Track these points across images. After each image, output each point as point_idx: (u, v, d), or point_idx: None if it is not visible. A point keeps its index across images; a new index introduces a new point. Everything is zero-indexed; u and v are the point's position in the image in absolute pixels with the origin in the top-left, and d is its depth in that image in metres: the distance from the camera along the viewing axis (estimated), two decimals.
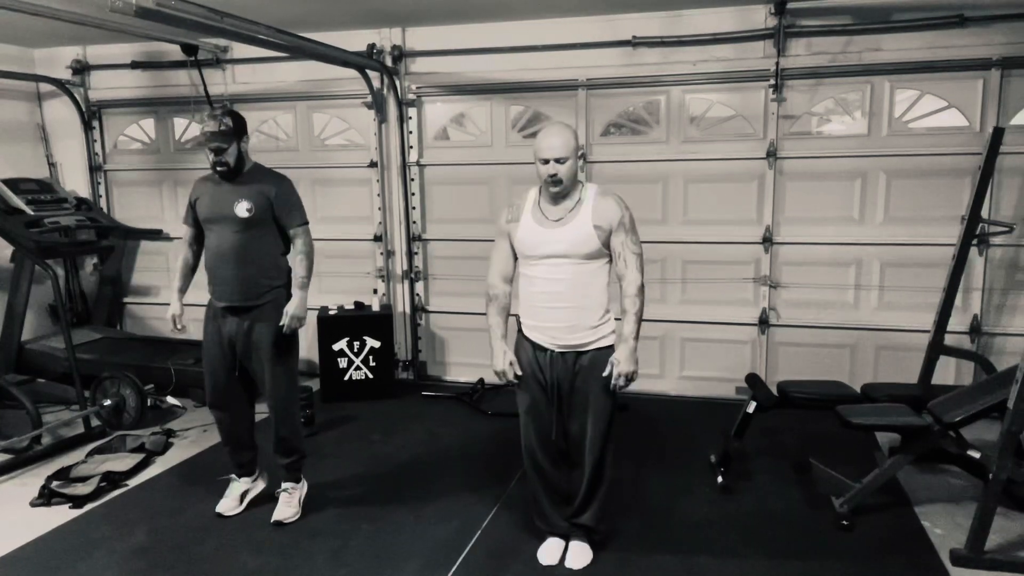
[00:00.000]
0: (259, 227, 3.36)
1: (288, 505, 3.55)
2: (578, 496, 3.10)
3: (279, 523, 3.49)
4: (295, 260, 3.46)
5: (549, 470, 3.11)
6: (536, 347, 2.96)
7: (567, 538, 3.20)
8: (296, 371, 3.64)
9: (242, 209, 3.31)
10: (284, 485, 3.61)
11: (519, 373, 2.98)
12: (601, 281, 2.88)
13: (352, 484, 3.96)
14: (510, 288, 3.05)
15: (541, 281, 2.88)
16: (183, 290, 3.57)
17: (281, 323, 3.39)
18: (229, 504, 3.62)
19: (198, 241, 3.54)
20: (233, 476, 3.69)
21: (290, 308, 3.39)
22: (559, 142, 2.78)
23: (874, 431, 4.07)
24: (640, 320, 2.84)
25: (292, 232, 3.45)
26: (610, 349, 2.89)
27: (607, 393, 2.91)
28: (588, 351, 2.90)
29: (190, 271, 3.58)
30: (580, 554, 3.13)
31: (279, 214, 3.40)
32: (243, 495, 3.67)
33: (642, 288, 2.84)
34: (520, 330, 3.04)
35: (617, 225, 2.83)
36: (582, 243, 2.81)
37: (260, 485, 3.75)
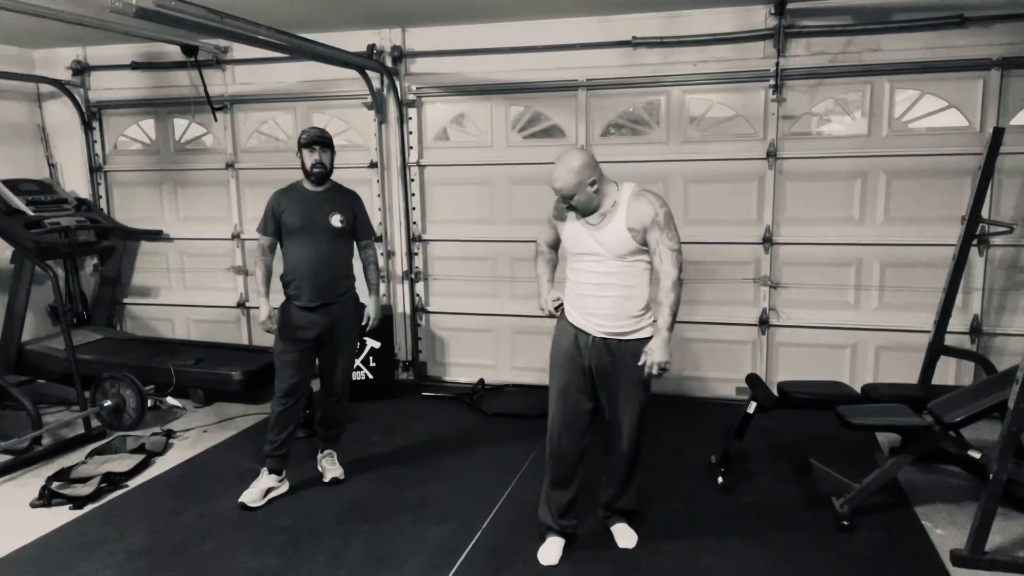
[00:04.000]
0: (344, 236, 3.83)
1: (334, 465, 4.03)
2: (615, 482, 3.26)
3: (336, 480, 3.96)
4: (369, 269, 3.99)
5: (569, 458, 3.15)
6: (578, 331, 3.07)
7: (566, 537, 3.24)
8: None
9: (336, 220, 3.75)
10: (327, 450, 4.06)
11: (559, 304, 3.14)
12: (644, 276, 3.02)
13: (352, 484, 3.96)
14: (556, 251, 3.27)
15: (586, 274, 3.02)
16: (268, 294, 3.83)
17: (364, 323, 3.98)
18: (254, 495, 3.72)
19: (273, 249, 3.84)
20: (264, 469, 3.80)
21: (372, 312, 4.00)
22: (560, 183, 2.90)
23: (874, 431, 4.06)
24: (674, 313, 2.94)
25: (365, 243, 3.96)
26: (649, 340, 3.00)
27: (643, 384, 3.04)
28: (628, 340, 3.00)
29: (270, 276, 3.86)
30: (626, 535, 3.30)
31: (359, 226, 3.90)
32: (268, 491, 3.77)
33: (677, 282, 2.94)
34: (563, 315, 3.15)
35: (651, 224, 2.92)
36: (619, 246, 2.94)
37: (284, 487, 3.86)
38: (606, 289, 2.97)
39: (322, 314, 3.74)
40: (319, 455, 4.06)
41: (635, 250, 2.94)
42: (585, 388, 3.08)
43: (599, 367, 3.04)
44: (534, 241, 3.31)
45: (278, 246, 3.82)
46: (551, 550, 3.18)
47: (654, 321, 3.00)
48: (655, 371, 2.92)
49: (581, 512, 3.29)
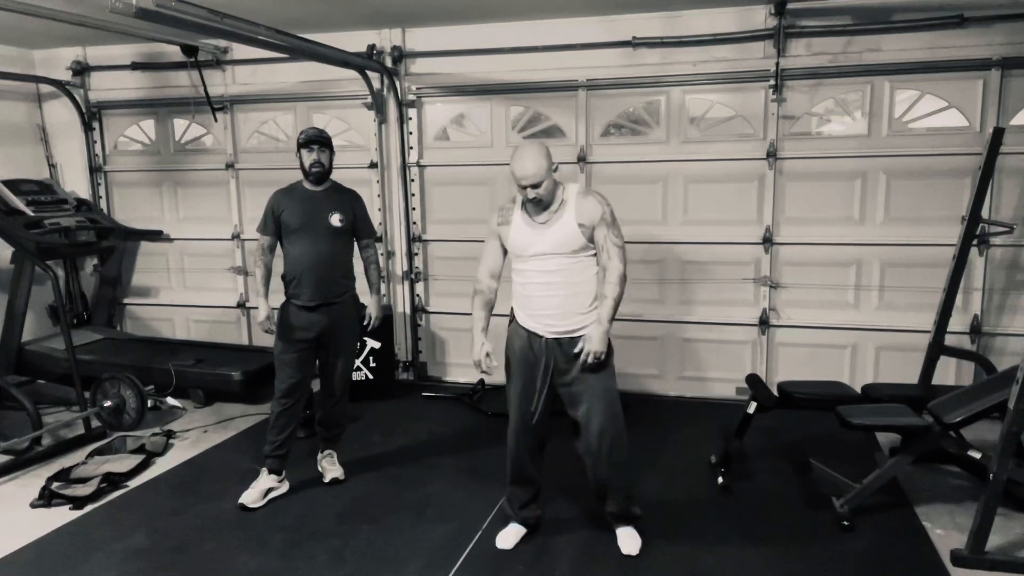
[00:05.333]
0: (344, 236, 3.82)
1: (334, 465, 4.03)
2: (599, 487, 3.19)
3: (336, 480, 3.95)
4: (369, 268, 3.99)
5: (527, 458, 3.24)
6: (531, 334, 3.08)
7: (527, 526, 3.34)
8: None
9: (335, 220, 3.75)
10: (327, 451, 4.05)
11: (494, 365, 3.12)
12: (590, 272, 3.05)
13: (352, 485, 3.96)
14: (496, 284, 3.23)
15: (533, 273, 3.04)
16: (267, 295, 3.84)
17: (366, 323, 3.99)
18: (254, 496, 3.73)
19: (273, 249, 3.85)
20: (264, 470, 3.80)
21: (373, 311, 4.01)
22: (532, 169, 2.92)
23: (874, 431, 4.05)
24: (617, 305, 3.00)
25: (365, 242, 3.95)
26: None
27: (606, 378, 3.05)
28: (580, 336, 3.02)
29: (270, 276, 3.87)
30: (629, 540, 3.22)
31: (359, 225, 3.89)
32: (267, 491, 3.77)
33: (623, 277, 3.01)
34: (513, 319, 3.16)
35: (599, 221, 2.99)
36: (568, 241, 2.98)
37: (284, 487, 3.86)
38: (552, 288, 2.99)
39: (321, 314, 3.75)
40: (319, 455, 4.06)
41: (582, 246, 2.98)
42: (540, 390, 3.08)
43: (556, 367, 3.06)
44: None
45: (279, 246, 3.83)
46: (509, 537, 3.30)
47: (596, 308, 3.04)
48: (590, 359, 2.95)
49: (543, 504, 3.42)
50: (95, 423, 4.72)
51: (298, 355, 3.75)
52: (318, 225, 3.72)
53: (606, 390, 3.06)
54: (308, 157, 3.70)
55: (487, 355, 3.10)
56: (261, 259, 3.82)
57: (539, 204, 2.98)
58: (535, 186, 2.92)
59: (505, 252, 3.17)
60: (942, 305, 4.36)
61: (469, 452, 4.40)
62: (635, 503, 3.29)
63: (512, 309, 3.17)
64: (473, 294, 3.21)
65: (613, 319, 3.00)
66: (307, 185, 3.78)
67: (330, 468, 4.00)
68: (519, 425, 3.18)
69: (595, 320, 3.00)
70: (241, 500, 3.69)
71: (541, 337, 3.05)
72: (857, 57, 4.70)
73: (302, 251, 3.73)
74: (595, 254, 3.04)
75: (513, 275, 3.13)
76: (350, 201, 3.85)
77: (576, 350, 2.98)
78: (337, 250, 3.79)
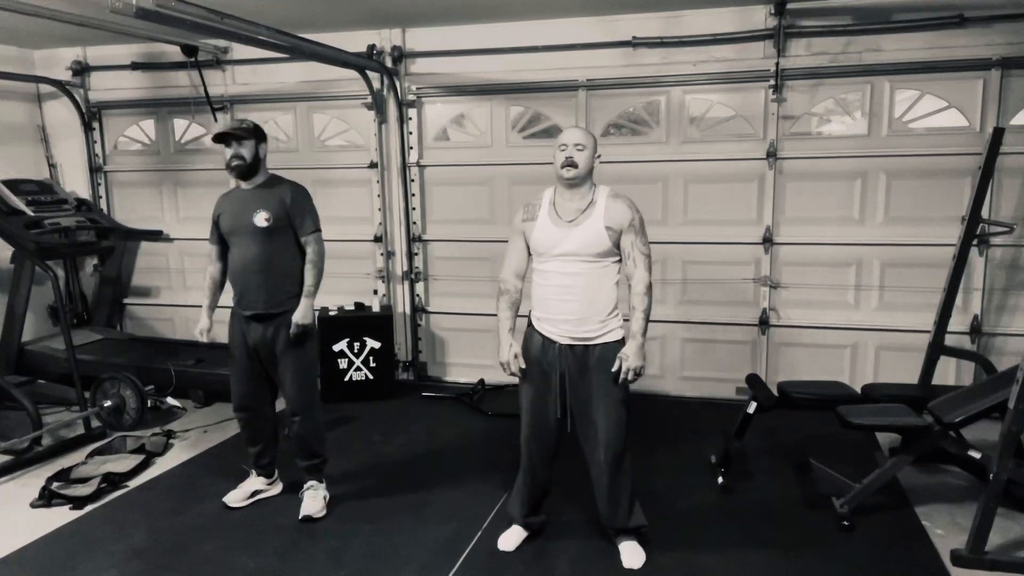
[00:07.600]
0: (279, 236, 3.45)
1: (314, 500, 3.60)
2: (601, 498, 3.14)
3: (308, 518, 3.52)
4: (306, 268, 3.51)
5: (539, 464, 3.19)
6: (545, 340, 3.03)
7: (530, 530, 3.32)
8: (316, 376, 3.73)
9: (261, 219, 3.39)
10: (308, 482, 3.67)
11: (523, 367, 3.05)
12: (611, 278, 2.99)
13: (352, 485, 3.96)
14: (522, 284, 3.15)
15: (554, 275, 2.97)
16: (212, 307, 3.68)
17: (291, 331, 3.47)
18: (237, 496, 3.69)
19: (223, 258, 3.62)
20: (253, 471, 3.78)
21: (296, 316, 3.45)
22: (580, 133, 2.97)
23: (874, 431, 4.06)
24: (648, 317, 2.95)
25: (304, 239, 3.51)
26: (619, 343, 2.97)
27: (620, 390, 2.98)
28: (597, 344, 2.96)
29: (218, 287, 3.68)
30: (633, 553, 3.14)
31: (293, 220, 3.47)
32: (254, 493, 3.74)
33: (650, 287, 2.96)
34: (530, 323, 3.11)
35: (627, 227, 2.94)
36: (594, 243, 2.92)
37: (275, 490, 3.83)
38: (572, 291, 2.92)
39: (260, 324, 3.47)
40: (303, 487, 3.67)
41: (607, 251, 2.92)
42: (554, 397, 3.03)
43: (568, 375, 2.99)
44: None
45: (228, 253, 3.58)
46: (511, 538, 3.27)
47: (626, 320, 2.96)
48: (630, 376, 2.90)
49: (548, 510, 3.40)
50: (95, 423, 4.72)
51: (243, 364, 3.55)
52: (245, 227, 3.41)
53: (616, 404, 2.98)
54: (226, 152, 3.37)
55: (516, 356, 3.02)
56: (208, 270, 3.64)
57: (573, 168, 2.89)
58: (577, 146, 2.90)
59: (530, 251, 3.08)
60: (942, 305, 4.36)
61: (469, 452, 4.40)
62: (639, 514, 3.18)
63: (530, 312, 3.11)
64: (498, 294, 3.12)
65: (646, 332, 2.92)
66: (243, 184, 3.48)
67: (308, 503, 3.57)
68: (531, 431, 3.13)
69: (625, 334, 2.95)
70: (224, 499, 3.68)
71: (555, 344, 2.98)
72: (857, 57, 4.70)
73: (234, 257, 3.49)
74: (619, 261, 2.97)
75: (534, 276, 3.05)
76: (281, 195, 3.45)
77: (614, 369, 2.90)
78: (271, 254, 3.43)
